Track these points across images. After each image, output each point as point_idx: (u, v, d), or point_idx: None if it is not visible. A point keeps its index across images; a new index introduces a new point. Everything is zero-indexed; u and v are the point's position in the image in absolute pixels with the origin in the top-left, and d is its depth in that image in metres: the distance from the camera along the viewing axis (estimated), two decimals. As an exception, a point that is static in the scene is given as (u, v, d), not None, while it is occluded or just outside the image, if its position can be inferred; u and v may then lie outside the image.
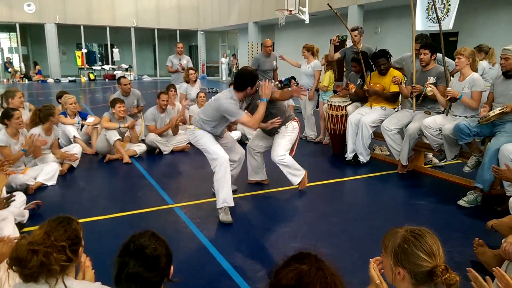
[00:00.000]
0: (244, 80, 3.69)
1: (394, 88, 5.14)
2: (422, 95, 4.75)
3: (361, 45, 5.84)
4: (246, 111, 4.01)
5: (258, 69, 6.77)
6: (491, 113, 3.85)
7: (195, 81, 7.77)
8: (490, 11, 10.50)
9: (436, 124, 4.44)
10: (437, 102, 4.71)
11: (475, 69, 4.39)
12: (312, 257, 1.21)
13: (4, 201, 2.85)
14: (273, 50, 7.46)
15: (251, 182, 4.62)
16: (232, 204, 3.65)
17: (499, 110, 3.81)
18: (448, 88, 4.33)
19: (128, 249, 1.49)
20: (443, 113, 4.70)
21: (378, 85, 5.30)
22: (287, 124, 4.20)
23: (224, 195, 3.61)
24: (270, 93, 3.72)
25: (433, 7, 6.85)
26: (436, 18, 5.37)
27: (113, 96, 6.27)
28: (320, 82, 6.71)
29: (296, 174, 4.29)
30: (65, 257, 1.57)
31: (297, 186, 4.36)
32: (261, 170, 4.61)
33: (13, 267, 1.53)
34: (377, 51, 5.43)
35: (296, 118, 4.35)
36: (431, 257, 1.47)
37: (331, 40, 6.54)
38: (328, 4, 5.77)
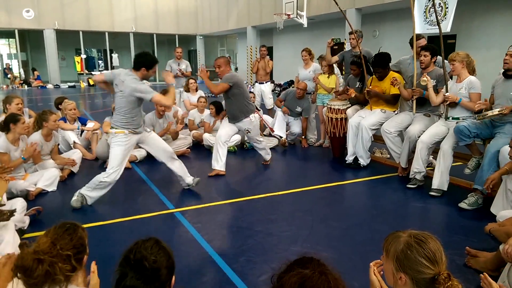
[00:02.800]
0: (141, 61, 3.93)
1: (394, 91, 5.15)
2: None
3: (360, 48, 5.86)
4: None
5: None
6: (489, 113, 3.85)
7: (196, 90, 7.95)
8: (487, 14, 10.55)
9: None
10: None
11: (472, 70, 4.40)
12: (315, 261, 1.21)
13: (8, 214, 2.83)
14: (271, 54, 7.42)
15: (212, 175, 5.08)
16: None
17: (498, 111, 3.82)
18: (446, 94, 4.33)
19: (128, 259, 1.46)
20: (442, 115, 4.71)
21: (377, 87, 5.31)
22: (250, 116, 5.08)
23: None
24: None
25: (430, 10, 6.88)
26: (434, 21, 5.40)
27: None
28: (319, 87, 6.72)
29: (268, 153, 5.59)
30: (70, 267, 1.56)
31: (266, 162, 5.60)
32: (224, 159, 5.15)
33: (18, 275, 1.52)
34: (378, 52, 5.41)
35: (257, 110, 5.40)
36: (434, 264, 1.46)
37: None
38: (334, 0, 5.80)
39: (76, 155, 5.29)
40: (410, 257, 1.47)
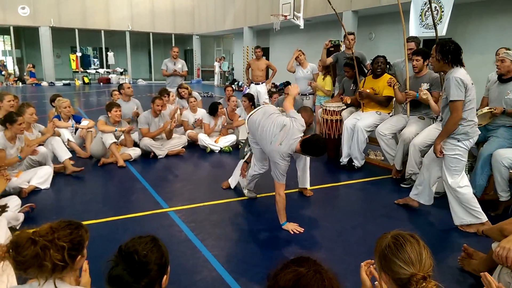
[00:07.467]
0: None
1: (387, 92, 5.17)
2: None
3: (353, 50, 5.92)
4: None
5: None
6: (479, 112, 3.87)
7: (189, 94, 7.49)
8: (481, 18, 10.64)
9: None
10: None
11: None
12: (311, 261, 1.22)
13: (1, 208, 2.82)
14: (267, 55, 7.44)
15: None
16: None
17: (487, 109, 3.85)
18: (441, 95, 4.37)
19: (121, 250, 1.49)
20: (436, 118, 4.74)
21: (368, 90, 5.32)
22: None
23: None
24: None
25: (426, 13, 6.94)
26: (429, 24, 5.45)
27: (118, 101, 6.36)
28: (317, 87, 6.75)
29: None
30: (60, 257, 1.55)
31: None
32: None
33: (10, 251, 1.54)
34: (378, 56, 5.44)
35: None
36: (409, 265, 1.48)
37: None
38: (328, 1, 5.81)
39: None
40: (387, 257, 1.53)
